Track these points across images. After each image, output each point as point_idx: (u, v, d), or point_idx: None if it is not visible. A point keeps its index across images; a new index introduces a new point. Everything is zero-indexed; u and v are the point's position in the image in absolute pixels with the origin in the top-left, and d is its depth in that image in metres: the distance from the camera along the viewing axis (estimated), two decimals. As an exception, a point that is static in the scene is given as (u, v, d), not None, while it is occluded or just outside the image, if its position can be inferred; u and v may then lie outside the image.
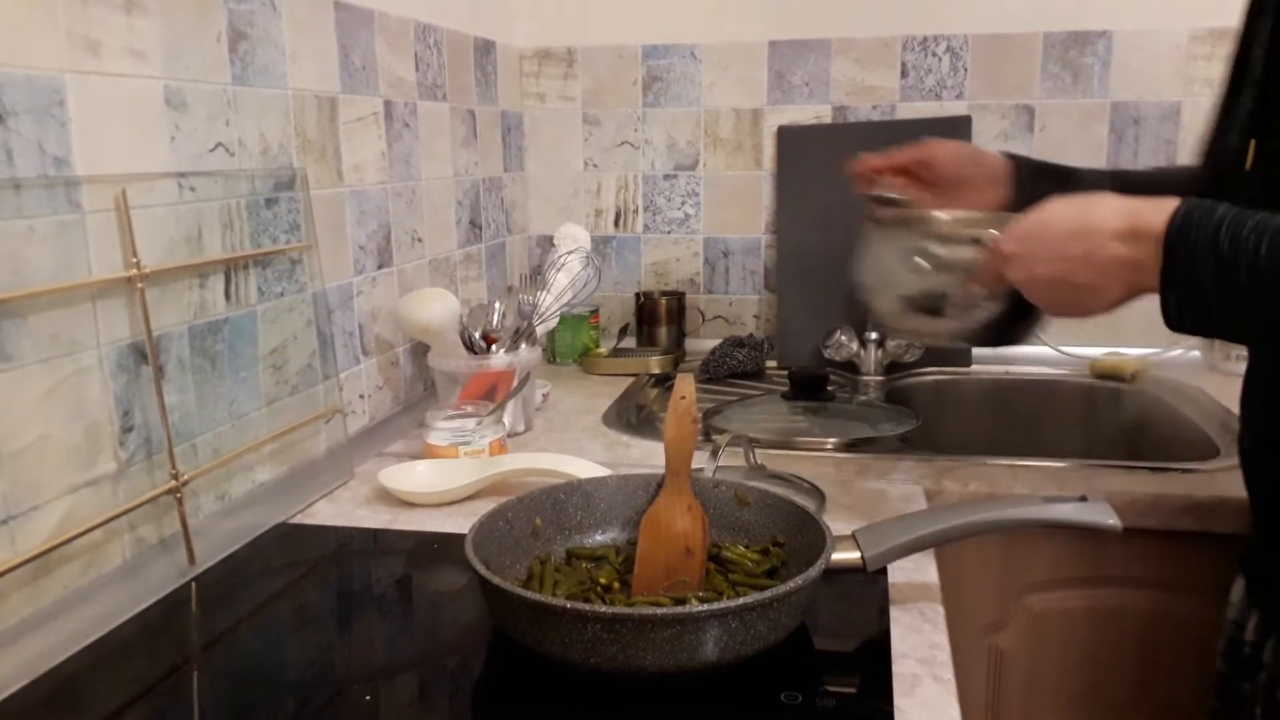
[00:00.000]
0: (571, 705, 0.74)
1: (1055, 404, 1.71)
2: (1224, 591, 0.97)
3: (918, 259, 0.92)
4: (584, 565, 0.90)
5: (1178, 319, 0.74)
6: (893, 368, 1.72)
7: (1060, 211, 0.81)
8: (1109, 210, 0.77)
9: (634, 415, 1.54)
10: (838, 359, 1.71)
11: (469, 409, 1.25)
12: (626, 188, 1.95)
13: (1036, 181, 1.03)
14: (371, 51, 1.35)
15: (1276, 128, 0.80)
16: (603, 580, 0.86)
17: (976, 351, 1.77)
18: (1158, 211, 0.74)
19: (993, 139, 1.77)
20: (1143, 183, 1.09)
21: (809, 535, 0.85)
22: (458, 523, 1.07)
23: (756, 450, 1.16)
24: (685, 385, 0.93)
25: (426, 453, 1.22)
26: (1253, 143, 0.82)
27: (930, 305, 0.92)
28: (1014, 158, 1.06)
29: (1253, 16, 0.86)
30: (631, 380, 1.71)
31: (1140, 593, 1.16)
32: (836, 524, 0.86)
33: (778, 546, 0.90)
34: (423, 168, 1.51)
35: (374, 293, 1.37)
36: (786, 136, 1.84)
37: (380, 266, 1.39)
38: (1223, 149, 0.86)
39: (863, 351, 1.70)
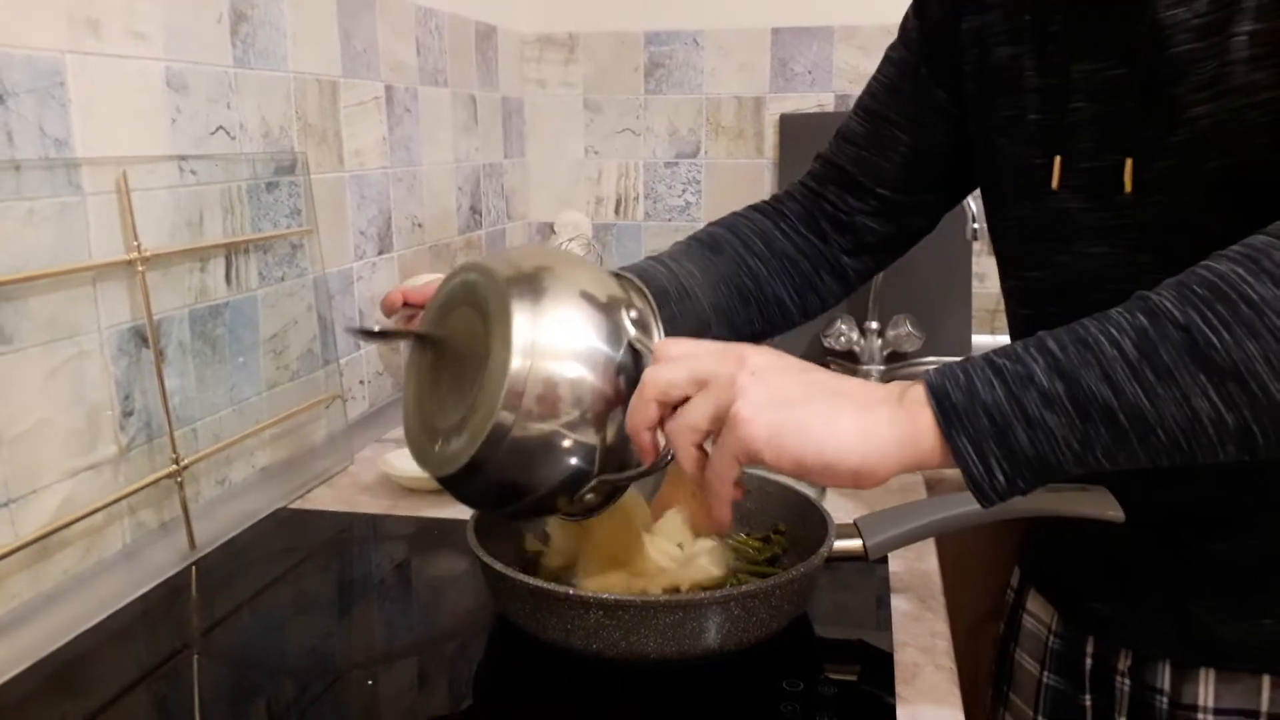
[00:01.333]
0: (573, 692, 0.74)
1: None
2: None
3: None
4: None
5: (984, 475, 0.57)
6: (893, 357, 1.72)
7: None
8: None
9: (634, 403, 1.54)
10: (837, 348, 1.71)
11: (469, 395, 1.25)
12: (627, 175, 1.95)
13: None
14: (373, 35, 1.34)
15: (1162, 144, 0.71)
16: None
17: (976, 340, 1.77)
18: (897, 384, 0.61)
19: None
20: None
21: (810, 523, 0.84)
22: (458, 509, 1.06)
23: (757, 438, 1.15)
24: None
25: (427, 439, 1.21)
26: (1129, 162, 0.73)
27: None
28: None
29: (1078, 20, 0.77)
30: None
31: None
32: (837, 512, 0.85)
33: (779, 534, 0.89)
34: (423, 153, 1.50)
35: (374, 278, 1.37)
36: (789, 124, 1.84)
37: (381, 252, 1.39)
38: (1085, 170, 0.77)
39: (862, 341, 1.69)
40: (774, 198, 1.03)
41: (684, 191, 1.93)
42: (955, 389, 0.58)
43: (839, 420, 0.58)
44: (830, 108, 1.84)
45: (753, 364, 0.60)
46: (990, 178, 0.88)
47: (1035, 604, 0.96)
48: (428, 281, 1.05)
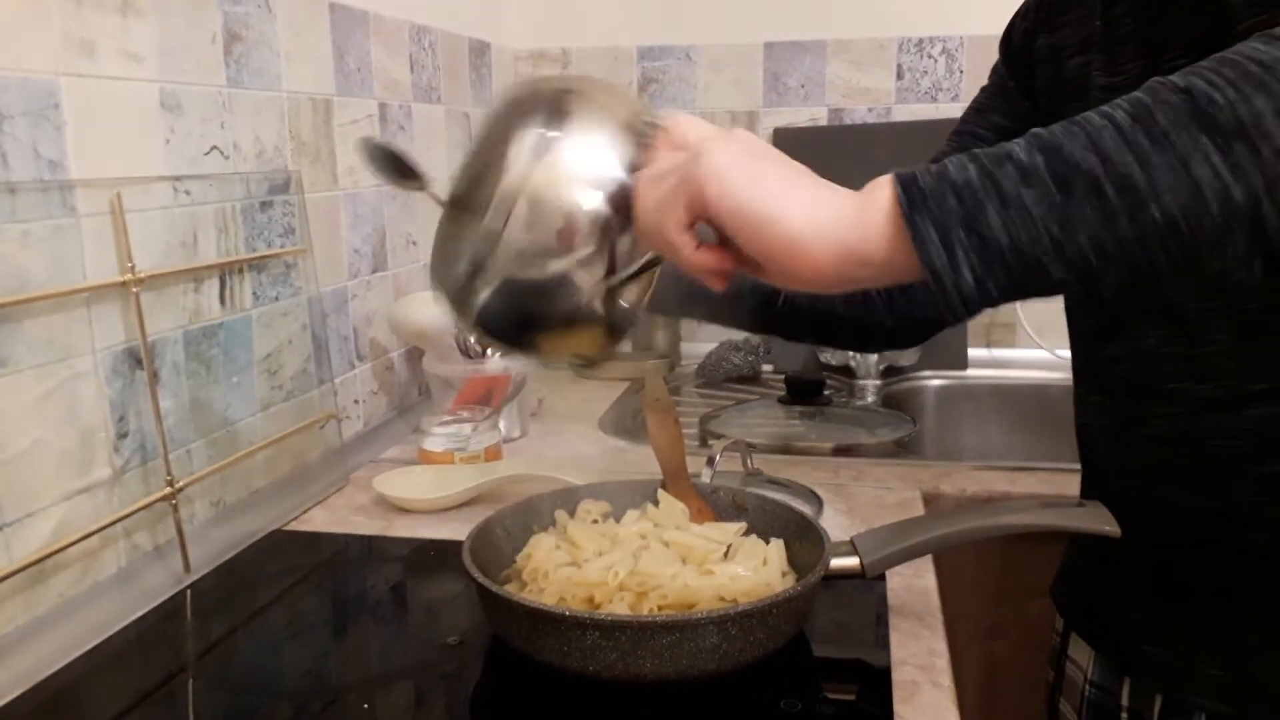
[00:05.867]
0: (570, 713, 0.74)
1: (1052, 408, 1.71)
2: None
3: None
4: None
5: (949, 270, 0.50)
6: (889, 372, 1.72)
7: None
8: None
9: (630, 420, 1.54)
10: (834, 363, 1.71)
11: (464, 414, 1.25)
12: (622, 190, 1.95)
13: None
14: (366, 53, 1.35)
15: None
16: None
17: (973, 355, 1.77)
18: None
19: (988, 142, 1.77)
20: None
21: (807, 541, 0.84)
22: (454, 529, 1.07)
23: (753, 455, 1.16)
24: (655, 386, 0.91)
25: (422, 458, 1.21)
26: None
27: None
28: None
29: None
30: (627, 385, 1.71)
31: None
32: (834, 529, 0.85)
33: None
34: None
35: (369, 297, 1.37)
36: (782, 139, 1.84)
37: (375, 270, 1.38)
38: None
39: (859, 355, 1.69)
40: None
41: (678, 206, 1.93)
42: (924, 173, 0.51)
43: (795, 186, 0.54)
44: (823, 121, 1.85)
45: (734, 136, 0.57)
46: None
47: (1076, 649, 0.94)
48: None
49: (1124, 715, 0.87)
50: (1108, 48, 0.79)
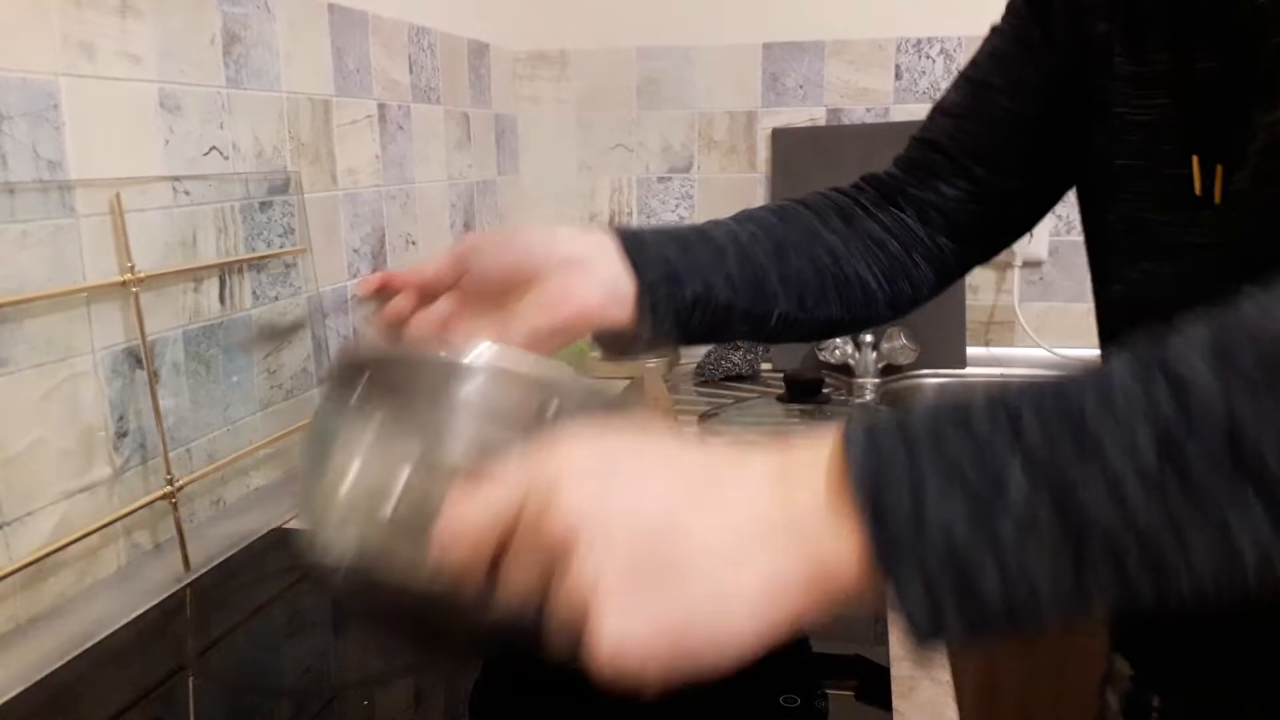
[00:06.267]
0: (569, 710, 0.74)
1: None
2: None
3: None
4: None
5: (932, 626, 0.39)
6: (888, 370, 1.72)
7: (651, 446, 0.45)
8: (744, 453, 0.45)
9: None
10: (832, 361, 1.71)
11: (464, 412, 1.25)
12: (620, 190, 1.95)
13: (659, 253, 0.72)
14: (365, 54, 1.35)
15: (1245, 150, 0.63)
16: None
17: (971, 353, 1.77)
18: (813, 443, 0.43)
19: (986, 141, 1.77)
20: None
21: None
22: (454, 527, 1.07)
23: (753, 453, 1.15)
24: (654, 386, 0.91)
25: (422, 456, 1.21)
26: (1218, 168, 0.64)
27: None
28: (626, 232, 0.72)
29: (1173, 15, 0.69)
30: (627, 384, 1.71)
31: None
32: (834, 526, 0.85)
33: None
34: (416, 171, 1.50)
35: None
36: (780, 139, 1.84)
37: (374, 270, 1.39)
38: (1167, 177, 0.68)
39: (857, 354, 1.70)
40: (857, 181, 0.89)
41: (677, 207, 1.93)
42: (898, 498, 0.39)
43: (731, 599, 0.42)
44: (822, 121, 1.85)
45: (573, 503, 0.42)
46: (1082, 174, 0.79)
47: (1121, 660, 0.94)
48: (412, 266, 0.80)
49: (1154, 716, 0.87)
50: (1133, 22, 0.71)
